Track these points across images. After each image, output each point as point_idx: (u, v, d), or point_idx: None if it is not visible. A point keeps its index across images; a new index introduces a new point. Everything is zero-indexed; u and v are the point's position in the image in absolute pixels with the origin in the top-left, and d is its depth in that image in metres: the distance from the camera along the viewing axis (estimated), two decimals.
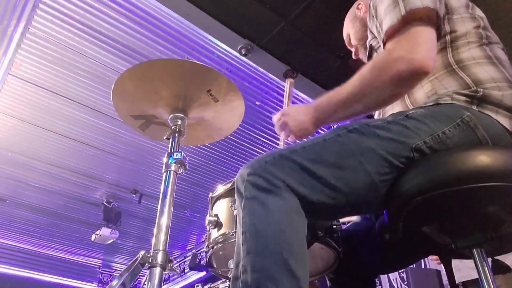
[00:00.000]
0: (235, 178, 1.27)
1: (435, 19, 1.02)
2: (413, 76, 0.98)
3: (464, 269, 2.19)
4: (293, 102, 4.62)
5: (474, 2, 1.19)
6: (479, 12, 1.17)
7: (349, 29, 1.53)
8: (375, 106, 1.14)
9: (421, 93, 1.11)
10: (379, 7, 1.11)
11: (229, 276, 1.45)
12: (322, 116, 1.13)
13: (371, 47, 1.29)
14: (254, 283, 0.80)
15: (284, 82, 3.85)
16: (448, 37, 1.10)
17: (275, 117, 1.24)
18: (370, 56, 1.33)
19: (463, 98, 1.01)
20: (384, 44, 1.08)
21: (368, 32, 1.28)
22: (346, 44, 1.59)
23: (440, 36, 1.08)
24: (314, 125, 1.16)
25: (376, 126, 0.98)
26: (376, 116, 1.33)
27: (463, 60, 1.07)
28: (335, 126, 1.05)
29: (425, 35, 1.00)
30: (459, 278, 2.24)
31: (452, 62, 1.08)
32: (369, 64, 1.04)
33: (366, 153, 0.93)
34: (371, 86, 1.02)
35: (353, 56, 1.56)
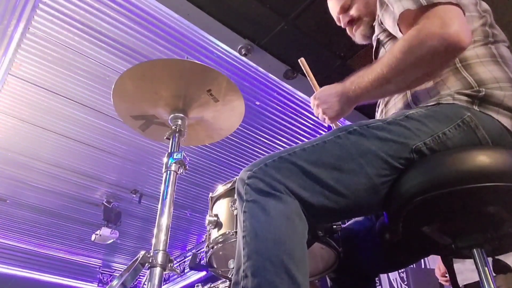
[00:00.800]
0: (235, 178, 1.27)
1: (460, 6, 0.99)
2: (448, 52, 0.95)
3: (465, 271, 2.18)
4: (292, 102, 4.59)
5: None
6: (485, 6, 1.15)
7: None
8: (407, 85, 1.09)
9: (424, 91, 1.10)
10: None
11: (229, 276, 1.44)
12: (353, 97, 1.11)
13: (379, 42, 1.25)
14: None
15: (284, 82, 3.86)
16: None
17: (311, 103, 1.24)
18: (376, 52, 1.29)
19: (465, 98, 1.00)
20: (399, 27, 1.05)
21: (377, 26, 1.24)
22: (336, 8, 1.42)
23: None
24: (348, 107, 1.15)
25: (376, 127, 0.97)
26: (378, 114, 1.32)
27: (467, 59, 1.06)
28: (334, 128, 1.04)
29: (455, 11, 0.96)
30: (461, 281, 2.24)
31: (456, 60, 1.06)
32: (400, 43, 1.01)
33: (366, 155, 0.93)
34: (404, 65, 0.99)
35: (337, 23, 1.45)
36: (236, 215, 1.35)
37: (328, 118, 1.20)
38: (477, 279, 0.97)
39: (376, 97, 1.11)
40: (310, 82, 1.46)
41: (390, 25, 1.11)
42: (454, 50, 0.94)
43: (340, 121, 1.30)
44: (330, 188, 0.91)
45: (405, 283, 3.63)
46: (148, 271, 1.26)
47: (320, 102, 1.19)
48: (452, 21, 0.94)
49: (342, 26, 1.45)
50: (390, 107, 1.22)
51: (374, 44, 1.29)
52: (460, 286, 2.22)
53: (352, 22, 1.41)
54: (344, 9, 1.42)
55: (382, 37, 1.23)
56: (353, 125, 0.99)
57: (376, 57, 1.28)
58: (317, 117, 1.25)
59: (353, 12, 1.39)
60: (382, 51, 1.24)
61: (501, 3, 2.97)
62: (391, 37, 1.17)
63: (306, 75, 1.47)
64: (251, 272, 0.82)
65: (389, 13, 1.09)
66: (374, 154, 0.93)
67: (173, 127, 1.58)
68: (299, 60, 1.49)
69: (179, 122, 1.59)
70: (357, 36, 1.42)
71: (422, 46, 0.95)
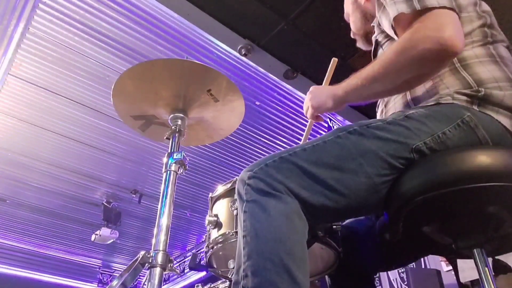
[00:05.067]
0: (235, 178, 1.27)
1: (456, 11, 0.99)
2: (440, 56, 0.95)
3: (467, 269, 2.19)
4: (293, 102, 4.59)
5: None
6: (485, 7, 1.15)
7: (349, 13, 1.48)
8: (396, 88, 1.10)
9: (423, 91, 1.10)
10: None
11: (229, 276, 1.44)
12: (340, 93, 1.12)
13: (377, 43, 1.27)
14: None
15: (284, 82, 3.86)
16: None
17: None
18: (375, 53, 1.30)
19: (464, 98, 1.01)
20: (394, 30, 1.06)
21: (376, 26, 1.25)
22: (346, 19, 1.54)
23: None
24: (332, 101, 1.16)
25: (376, 127, 0.97)
26: (378, 114, 1.33)
27: (466, 59, 1.06)
28: (335, 127, 1.05)
29: (450, 16, 0.97)
30: (463, 278, 2.25)
31: (455, 60, 1.07)
32: (394, 44, 1.02)
33: (366, 155, 0.93)
34: (395, 65, 1.00)
35: (352, 35, 1.52)
36: (236, 215, 1.36)
37: (310, 107, 1.23)
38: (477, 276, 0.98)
39: (364, 96, 1.11)
40: (325, 80, 1.46)
41: (387, 27, 1.12)
42: (447, 54, 0.95)
43: (340, 121, 1.31)
44: (330, 188, 0.91)
45: (405, 283, 3.63)
46: (148, 271, 1.26)
47: (312, 91, 1.24)
48: (447, 25, 0.94)
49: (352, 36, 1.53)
50: (390, 107, 1.22)
51: (373, 44, 1.30)
52: (463, 282, 2.23)
53: (353, 34, 1.50)
54: (347, 18, 1.51)
55: (380, 38, 1.24)
56: (353, 125, 0.99)
57: (374, 58, 1.29)
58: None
59: (352, 28, 1.48)
60: (380, 51, 1.26)
61: (501, 3, 2.97)
62: (389, 38, 1.18)
63: (327, 74, 1.47)
64: (252, 271, 0.82)
65: (386, 15, 1.10)
66: (374, 154, 0.93)
67: (173, 127, 1.58)
68: (332, 59, 1.48)
69: (179, 122, 1.59)
70: (361, 47, 1.50)
71: (415, 48, 0.96)
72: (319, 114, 1.28)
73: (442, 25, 0.95)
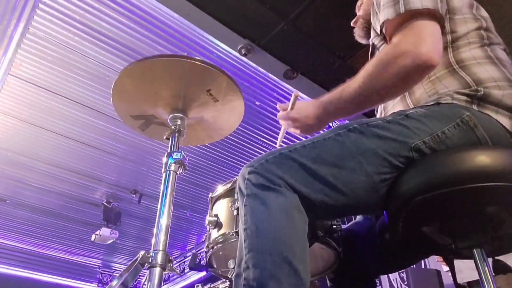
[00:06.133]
0: (235, 178, 1.27)
1: (438, 15, 1.01)
2: (419, 71, 0.97)
3: (465, 269, 2.19)
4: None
5: (479, 2, 1.18)
6: (483, 13, 1.16)
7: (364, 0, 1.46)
8: (379, 101, 1.11)
9: (422, 92, 1.11)
10: (381, 2, 1.10)
11: (229, 276, 1.45)
12: (327, 111, 1.11)
13: (374, 46, 1.28)
14: (256, 280, 0.81)
15: (284, 82, 3.86)
16: (449, 37, 1.10)
17: (280, 114, 1.23)
18: (372, 55, 1.31)
19: (464, 97, 1.01)
20: (382, 34, 1.08)
21: (372, 30, 1.26)
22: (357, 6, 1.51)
23: (442, 34, 1.07)
24: (318, 121, 1.14)
25: (376, 125, 0.97)
26: (378, 115, 1.33)
27: (463, 60, 1.07)
28: (335, 125, 1.05)
29: (430, 29, 0.99)
30: (460, 279, 2.25)
31: (453, 62, 1.08)
32: (374, 59, 1.03)
33: (366, 154, 0.93)
34: (377, 80, 1.01)
35: (351, 23, 1.50)
36: (236, 215, 1.36)
37: (300, 132, 1.20)
38: (476, 277, 0.98)
39: (350, 113, 1.11)
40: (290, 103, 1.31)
41: (378, 33, 1.13)
42: (425, 68, 0.97)
43: (339, 120, 1.29)
44: (329, 185, 0.92)
45: (405, 283, 3.63)
46: (148, 271, 1.26)
47: (295, 113, 1.18)
48: (425, 39, 0.97)
49: (351, 24, 1.51)
50: (389, 109, 1.23)
51: (370, 47, 1.31)
52: (460, 283, 2.23)
53: (356, 21, 1.48)
54: (358, 8, 1.49)
55: (376, 41, 1.25)
56: (353, 123, 0.99)
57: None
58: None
59: (360, 11, 1.46)
60: (376, 54, 1.26)
61: (500, 4, 2.97)
62: (384, 41, 1.19)
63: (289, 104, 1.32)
64: (252, 263, 0.83)
65: (378, 21, 1.11)
66: (374, 152, 0.93)
67: (172, 127, 1.58)
68: (293, 94, 1.34)
69: (179, 122, 1.59)
70: (355, 34, 1.49)
71: (395, 63, 0.97)
72: None
73: (421, 39, 0.97)
